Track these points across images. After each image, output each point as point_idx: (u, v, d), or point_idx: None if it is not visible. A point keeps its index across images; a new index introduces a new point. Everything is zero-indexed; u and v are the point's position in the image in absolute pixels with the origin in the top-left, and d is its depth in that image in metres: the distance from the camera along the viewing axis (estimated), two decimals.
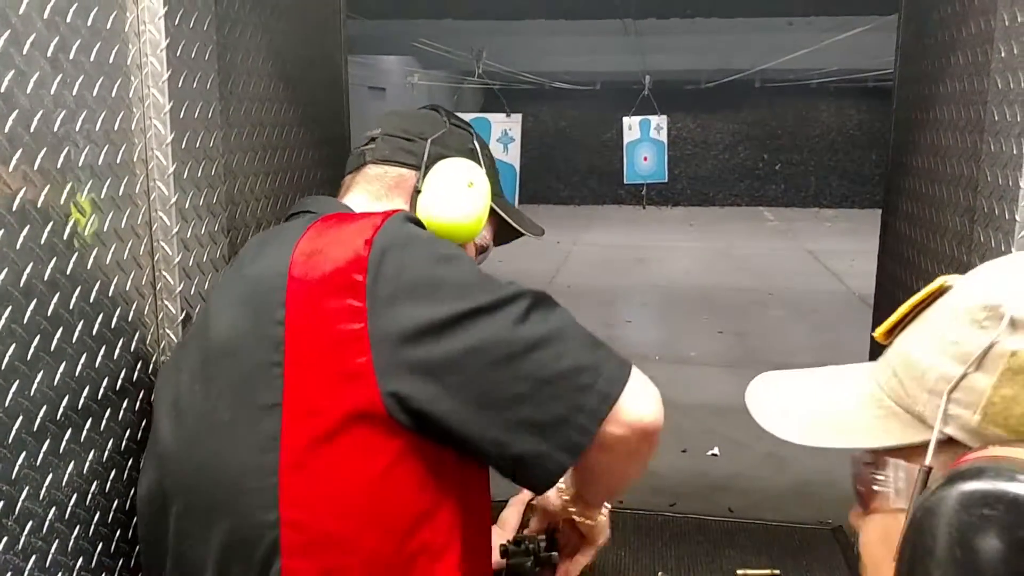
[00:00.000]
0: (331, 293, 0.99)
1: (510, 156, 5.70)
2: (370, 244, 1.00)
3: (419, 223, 1.10)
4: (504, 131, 5.79)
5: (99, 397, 1.27)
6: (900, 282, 2.04)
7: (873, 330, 2.42)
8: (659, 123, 8.56)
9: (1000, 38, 1.43)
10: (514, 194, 4.58)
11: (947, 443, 0.56)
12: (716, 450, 4.81)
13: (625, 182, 8.63)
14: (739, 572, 1.71)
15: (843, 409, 0.65)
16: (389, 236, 1.02)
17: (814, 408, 0.68)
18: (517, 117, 5.86)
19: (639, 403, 0.99)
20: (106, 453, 1.29)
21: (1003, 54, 1.42)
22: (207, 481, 1.06)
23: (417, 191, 1.27)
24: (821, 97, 17.48)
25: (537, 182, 17.18)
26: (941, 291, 0.62)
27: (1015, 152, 1.34)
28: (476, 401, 0.95)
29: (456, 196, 1.26)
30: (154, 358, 1.42)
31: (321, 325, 0.98)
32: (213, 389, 1.07)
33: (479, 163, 1.33)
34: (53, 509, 1.17)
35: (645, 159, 8.67)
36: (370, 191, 1.29)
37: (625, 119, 8.51)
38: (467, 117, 5.71)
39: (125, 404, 1.35)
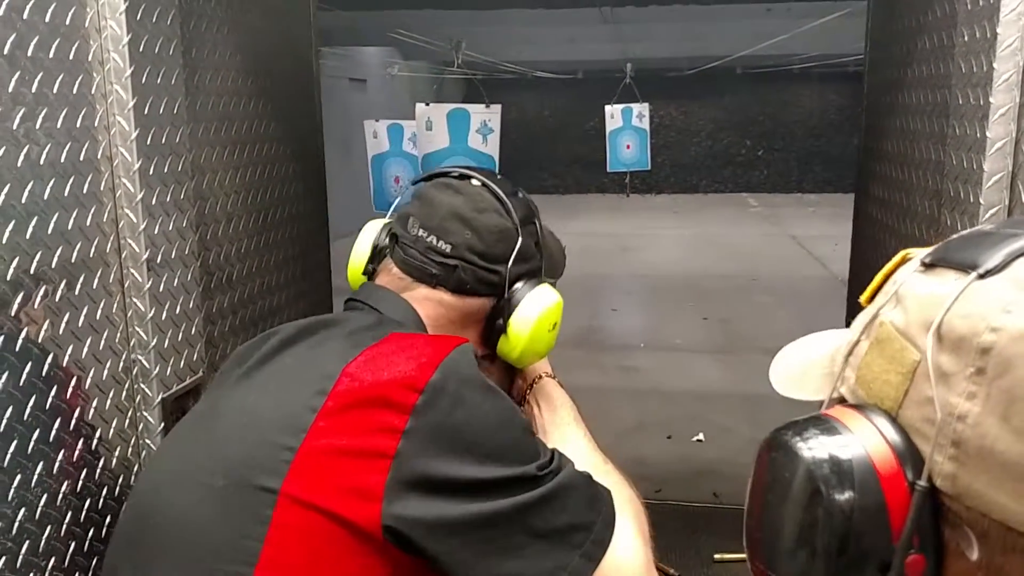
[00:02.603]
0: (376, 403, 0.95)
1: (489, 147, 5.69)
2: (434, 367, 0.97)
3: (479, 361, 1.05)
4: (483, 122, 5.77)
5: (68, 396, 1.27)
6: (873, 266, 2.04)
7: (848, 314, 2.44)
8: (641, 111, 8.51)
9: (963, 22, 1.44)
10: None
11: (843, 401, 0.61)
12: (701, 436, 4.83)
13: (608, 170, 8.60)
14: (716, 556, 1.72)
15: (812, 364, 0.69)
16: (454, 368, 0.99)
17: (800, 360, 0.71)
18: (497, 108, 5.83)
19: (621, 562, 0.99)
20: (76, 452, 1.28)
21: (966, 38, 1.42)
22: (178, 538, 0.99)
23: (502, 331, 1.22)
24: (802, 83, 17.51)
25: (520, 172, 17.14)
26: (903, 262, 0.63)
27: (979, 135, 1.35)
28: (473, 551, 0.94)
29: (539, 339, 1.23)
30: (123, 356, 1.41)
31: (352, 429, 0.95)
32: (219, 449, 1.01)
33: (541, 253, 1.27)
34: (23, 510, 1.17)
35: (628, 147, 8.64)
36: (444, 316, 1.20)
37: (607, 107, 8.47)
38: (447, 108, 5.60)
39: (95, 403, 1.35)
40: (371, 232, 1.28)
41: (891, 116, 1.94)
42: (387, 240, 1.24)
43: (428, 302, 1.19)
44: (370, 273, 1.25)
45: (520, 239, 1.20)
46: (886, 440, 0.54)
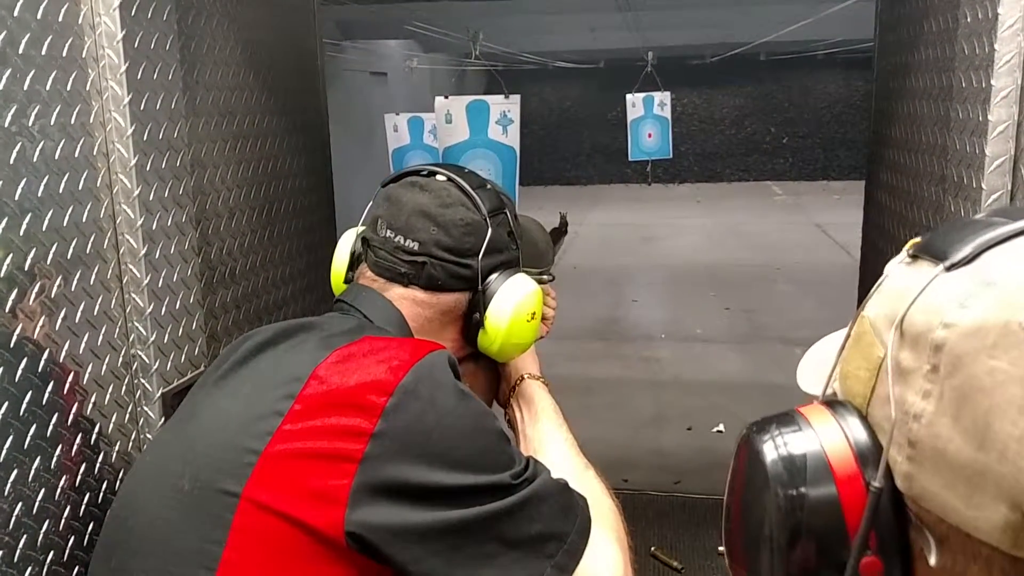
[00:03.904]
0: (345, 406, 0.94)
1: (510, 138, 5.68)
2: (406, 370, 0.96)
3: (456, 368, 1.03)
4: (503, 113, 5.74)
5: (65, 392, 1.28)
6: (882, 253, 2.02)
7: (858, 304, 2.42)
8: (663, 99, 8.44)
9: (966, 3, 1.40)
10: (515, 177, 4.58)
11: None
12: (722, 427, 4.80)
13: (630, 159, 8.54)
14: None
15: (828, 359, 0.68)
16: (427, 371, 0.97)
17: (821, 355, 0.69)
18: (516, 98, 5.82)
19: (596, 572, 0.98)
20: (75, 447, 1.29)
21: (969, 19, 1.39)
22: (147, 541, 0.99)
23: (479, 325, 1.21)
24: (826, 68, 17.28)
25: (542, 163, 17.12)
26: None
27: (981, 119, 1.32)
28: (442, 560, 0.92)
29: (517, 331, 1.21)
30: (123, 351, 1.42)
31: (319, 432, 0.93)
32: (188, 452, 1.01)
33: (516, 243, 1.25)
34: (20, 504, 1.18)
35: (649, 136, 8.57)
36: (423, 315, 1.20)
37: (628, 96, 8.41)
38: (466, 100, 5.60)
39: (94, 398, 1.36)
40: (347, 240, 1.29)
41: (899, 101, 1.90)
42: (361, 246, 1.24)
43: (405, 301, 1.19)
44: (350, 281, 1.26)
45: (490, 231, 1.19)
46: (847, 438, 0.53)
